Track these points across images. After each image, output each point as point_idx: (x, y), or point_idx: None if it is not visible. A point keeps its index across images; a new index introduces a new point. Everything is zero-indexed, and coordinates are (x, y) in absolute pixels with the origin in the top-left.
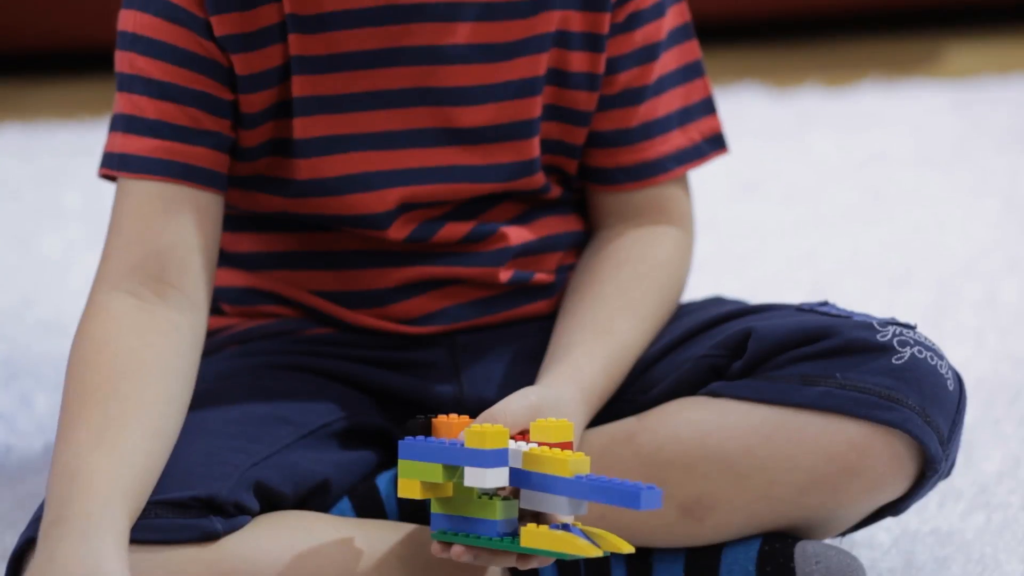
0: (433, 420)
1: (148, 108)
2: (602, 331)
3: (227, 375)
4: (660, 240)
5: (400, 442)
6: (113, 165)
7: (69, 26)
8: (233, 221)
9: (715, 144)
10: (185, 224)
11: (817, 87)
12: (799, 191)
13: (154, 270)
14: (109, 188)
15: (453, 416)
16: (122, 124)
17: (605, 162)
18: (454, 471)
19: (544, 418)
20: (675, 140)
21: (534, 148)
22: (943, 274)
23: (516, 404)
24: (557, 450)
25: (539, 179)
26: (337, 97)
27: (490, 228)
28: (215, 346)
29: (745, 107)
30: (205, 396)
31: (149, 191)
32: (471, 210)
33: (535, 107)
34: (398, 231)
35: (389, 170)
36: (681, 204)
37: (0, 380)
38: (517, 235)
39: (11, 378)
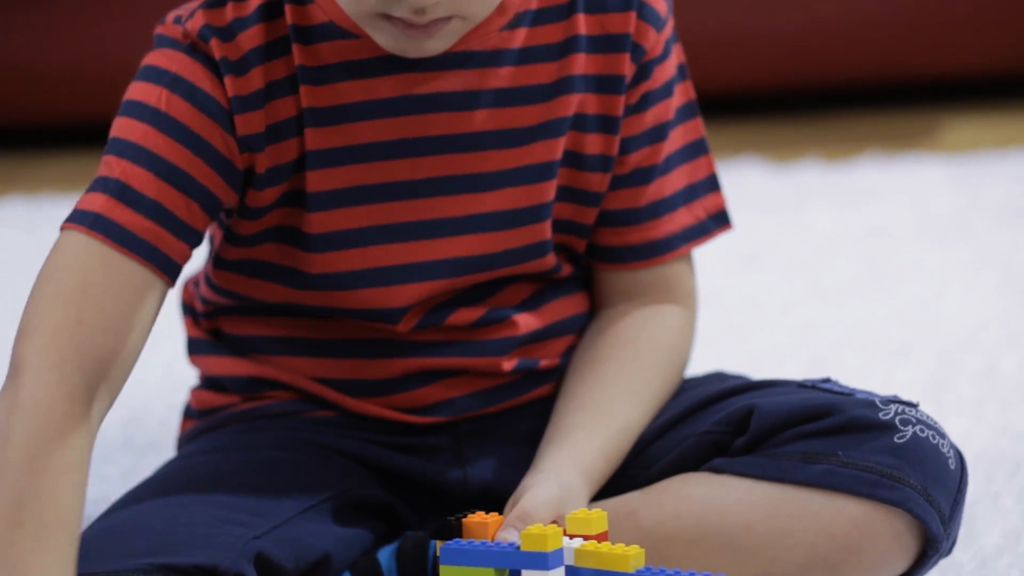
0: (463, 520)
1: (149, 186)
2: (602, 413)
3: (231, 447)
4: (663, 320)
5: (442, 548)
6: (92, 226)
7: (72, 101)
8: (238, 306)
9: (720, 221)
10: (147, 324)
11: (817, 161)
12: (799, 264)
13: (99, 365)
14: None
15: (481, 514)
16: (114, 190)
17: (613, 241)
18: (504, 573)
19: (572, 509)
20: (681, 218)
21: (546, 230)
22: (943, 347)
23: (543, 497)
24: (607, 543)
25: (550, 260)
26: (353, 190)
27: (501, 315)
28: (218, 423)
29: (745, 181)
30: (209, 467)
31: (130, 272)
32: (481, 294)
33: (550, 191)
34: (408, 322)
35: (405, 264)
36: (686, 282)
37: None
38: (526, 323)
39: None
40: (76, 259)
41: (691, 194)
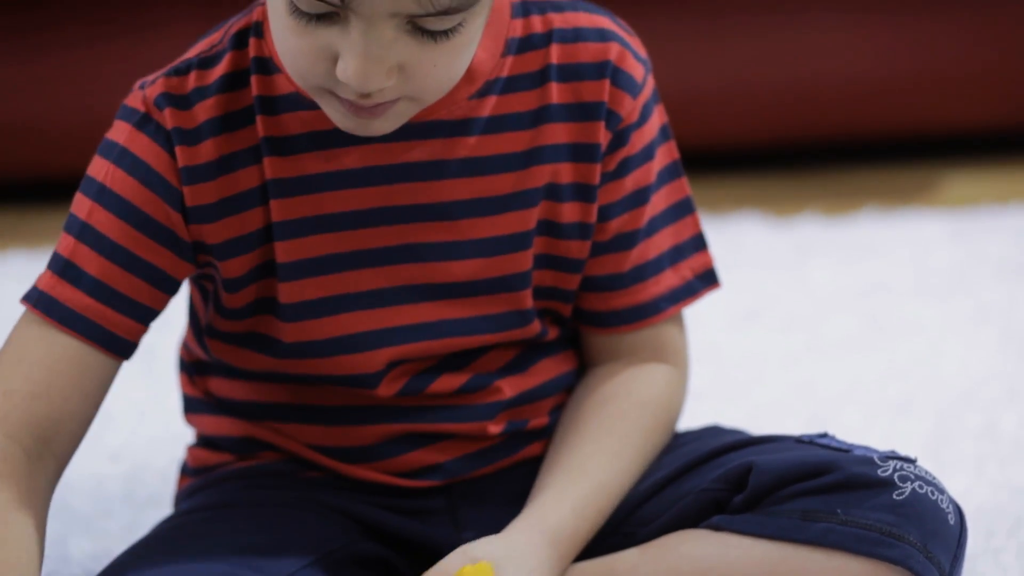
0: None
1: (92, 264)
2: (576, 472)
3: (229, 504)
4: (650, 378)
5: None
6: (35, 303)
7: (72, 155)
8: (227, 369)
9: (707, 280)
10: (89, 392)
11: (816, 216)
12: (798, 319)
13: (47, 434)
14: None
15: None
16: (59, 267)
17: (598, 306)
18: None
19: (513, 570)
20: (667, 280)
21: (527, 299)
22: (943, 403)
23: (455, 562)
24: None
25: (535, 327)
26: (322, 259)
27: (485, 381)
28: (213, 480)
29: (744, 236)
30: (209, 524)
31: (66, 346)
32: (464, 360)
33: (526, 260)
34: (388, 387)
35: (378, 329)
36: (675, 341)
37: None
38: (512, 387)
39: None
40: (18, 334)
41: (677, 255)
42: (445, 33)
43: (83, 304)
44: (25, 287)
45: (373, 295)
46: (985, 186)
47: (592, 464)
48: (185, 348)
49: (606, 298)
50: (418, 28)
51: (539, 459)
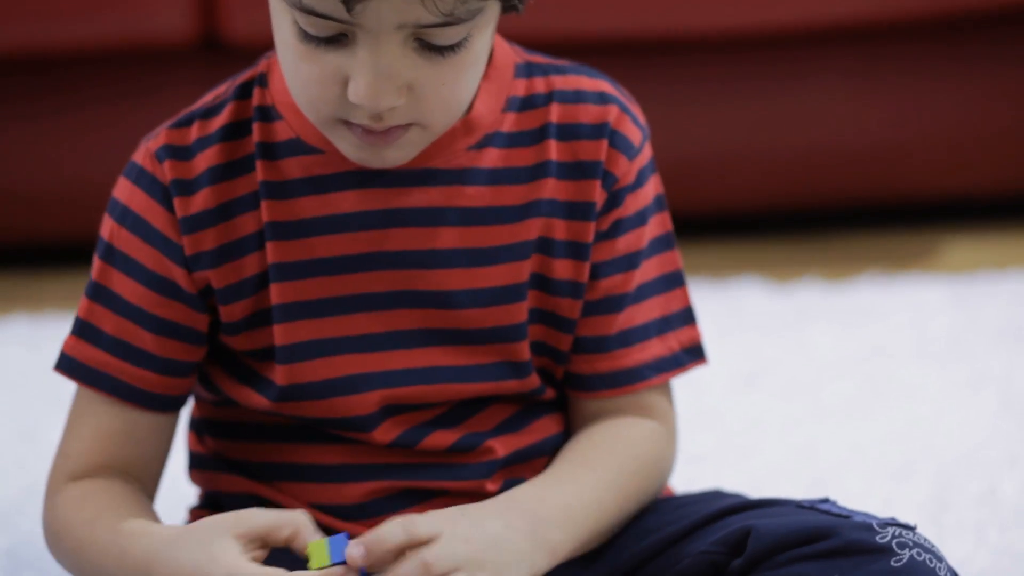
0: None
1: (107, 322)
2: (546, 475)
3: None
4: (635, 425)
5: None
6: (65, 368)
7: (73, 220)
8: (226, 428)
9: (694, 355)
10: (137, 442)
11: (816, 281)
12: (799, 384)
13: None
14: None
15: None
16: (77, 328)
17: (583, 368)
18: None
19: (466, 520)
20: (654, 349)
21: (522, 351)
22: (943, 468)
23: (394, 532)
24: None
25: (533, 381)
26: (316, 302)
27: (477, 440)
28: None
29: (745, 300)
30: None
31: (102, 404)
32: (459, 415)
33: (520, 312)
34: (384, 434)
35: (371, 372)
36: (661, 406)
37: (4, 572)
38: (504, 446)
39: (15, 571)
40: (74, 402)
41: (665, 325)
42: (452, 48)
43: (101, 361)
44: (27, 351)
45: (367, 339)
46: (984, 252)
47: (562, 471)
48: (196, 403)
49: (591, 360)
50: (425, 44)
51: None
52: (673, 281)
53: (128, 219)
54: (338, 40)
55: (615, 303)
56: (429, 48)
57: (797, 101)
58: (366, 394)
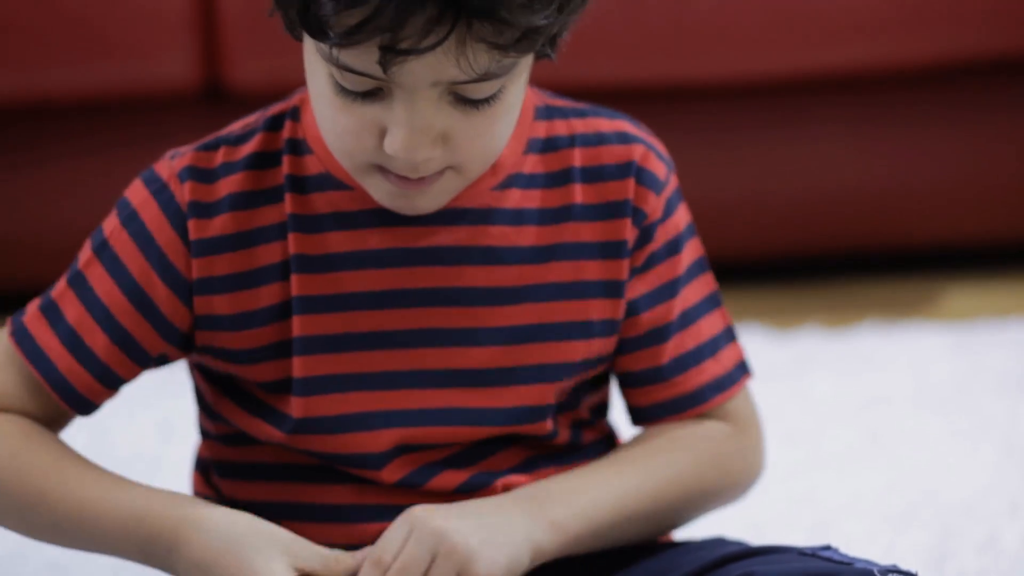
0: None
1: (71, 310)
2: (573, 474)
3: None
4: (697, 425)
5: None
6: (16, 335)
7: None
8: (234, 468)
9: (743, 370)
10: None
11: (817, 328)
12: (800, 432)
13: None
14: (118, 430)
15: None
16: (44, 303)
17: (642, 400)
18: None
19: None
20: (710, 369)
21: (539, 394)
22: (944, 516)
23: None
24: None
25: (545, 426)
26: (338, 336)
27: (487, 479)
28: None
29: (746, 348)
30: None
31: (23, 376)
32: (471, 456)
33: (539, 354)
34: (392, 473)
35: (387, 410)
36: (740, 415)
37: None
38: (516, 484)
39: None
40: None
41: (715, 345)
42: (486, 100)
43: (51, 346)
44: None
45: (386, 377)
46: (985, 299)
47: (580, 468)
48: (204, 442)
49: (649, 392)
50: (460, 97)
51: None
52: (713, 302)
53: (133, 224)
54: (374, 94)
55: (660, 334)
56: (464, 101)
57: (797, 148)
58: (380, 432)
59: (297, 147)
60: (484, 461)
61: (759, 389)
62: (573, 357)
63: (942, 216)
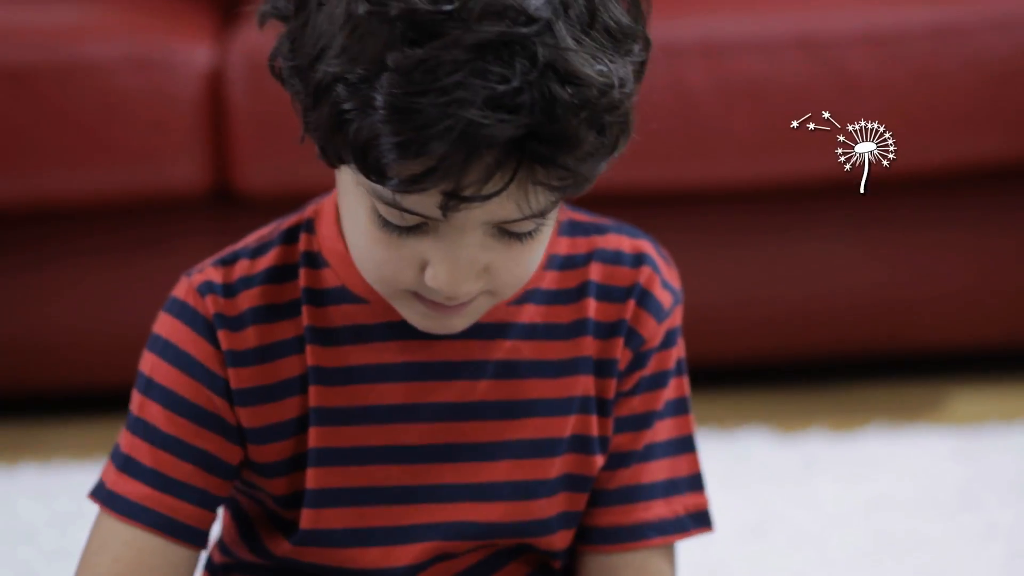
0: None
1: (145, 455)
2: None
3: None
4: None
5: None
6: (102, 498)
7: (84, 369)
8: (249, 568)
9: (699, 521)
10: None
11: (823, 432)
12: (805, 535)
13: None
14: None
15: None
16: (120, 462)
17: (584, 520)
18: None
19: None
20: (657, 510)
21: (547, 508)
22: None
23: None
24: None
25: (551, 542)
26: (352, 449)
27: None
28: None
29: (751, 451)
30: None
31: (129, 537)
32: (475, 572)
33: (552, 468)
34: None
35: (397, 526)
36: (661, 573)
37: None
38: None
39: None
40: (94, 531)
41: (672, 488)
42: (530, 234)
43: (140, 494)
44: (38, 503)
45: (398, 491)
46: (991, 404)
47: None
48: (217, 548)
49: (591, 513)
50: (504, 231)
51: None
52: (685, 445)
53: (169, 352)
54: (419, 228)
55: (621, 459)
56: (508, 234)
57: (803, 252)
58: (389, 548)
59: (313, 260)
60: (496, 573)
61: (765, 492)
62: (591, 471)
63: (947, 320)
